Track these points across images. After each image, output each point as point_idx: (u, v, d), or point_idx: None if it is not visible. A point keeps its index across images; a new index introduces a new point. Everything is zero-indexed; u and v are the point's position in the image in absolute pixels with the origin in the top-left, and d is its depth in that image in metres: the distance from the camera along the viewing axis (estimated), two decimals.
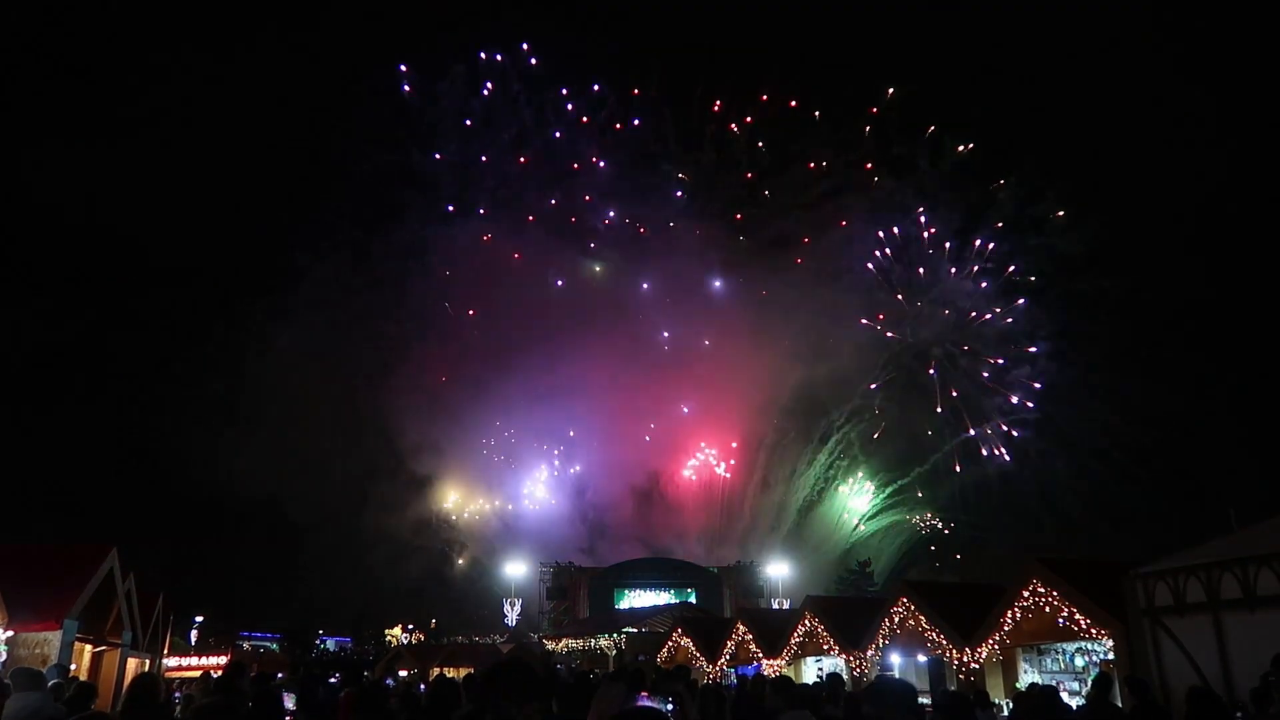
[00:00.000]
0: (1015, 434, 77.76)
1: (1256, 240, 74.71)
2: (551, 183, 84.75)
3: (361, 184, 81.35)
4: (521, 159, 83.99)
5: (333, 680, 20.25)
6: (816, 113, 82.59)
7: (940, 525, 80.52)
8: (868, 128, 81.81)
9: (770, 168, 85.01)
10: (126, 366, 78.25)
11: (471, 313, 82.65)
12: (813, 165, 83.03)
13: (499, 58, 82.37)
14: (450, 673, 36.48)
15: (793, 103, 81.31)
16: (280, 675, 18.79)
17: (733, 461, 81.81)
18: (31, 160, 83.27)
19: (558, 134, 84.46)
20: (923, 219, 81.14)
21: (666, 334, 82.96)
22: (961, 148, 79.40)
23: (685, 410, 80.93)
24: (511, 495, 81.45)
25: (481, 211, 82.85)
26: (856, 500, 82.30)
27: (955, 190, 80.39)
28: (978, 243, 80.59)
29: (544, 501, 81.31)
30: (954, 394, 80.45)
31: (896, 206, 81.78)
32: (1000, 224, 79.86)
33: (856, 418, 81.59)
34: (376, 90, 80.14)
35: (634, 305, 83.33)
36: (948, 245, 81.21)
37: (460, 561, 79.29)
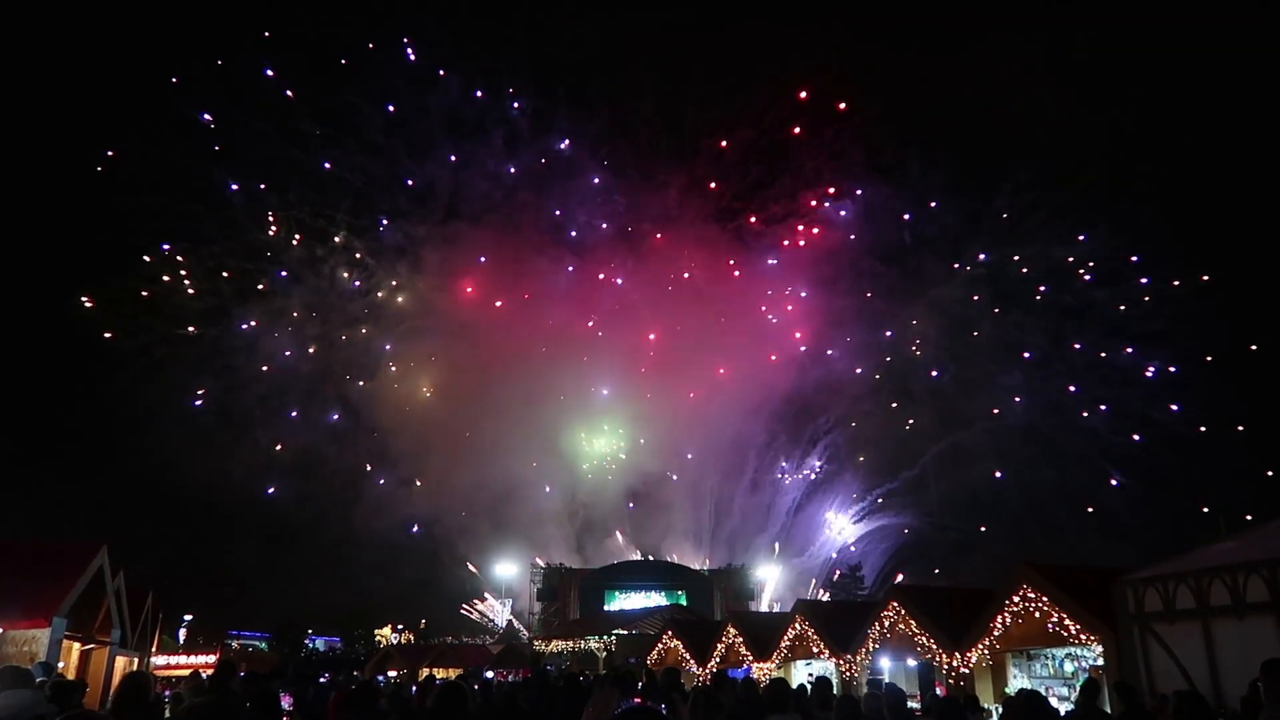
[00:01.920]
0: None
1: (1247, 247, 75.20)
2: (544, 186, 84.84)
3: (351, 187, 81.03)
4: (512, 166, 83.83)
5: (323, 680, 20.30)
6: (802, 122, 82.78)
7: (928, 530, 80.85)
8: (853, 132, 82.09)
9: (762, 175, 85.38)
10: (117, 365, 77.82)
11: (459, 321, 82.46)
12: (804, 170, 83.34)
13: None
14: (440, 673, 36.41)
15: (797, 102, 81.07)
16: (256, 675, 18.76)
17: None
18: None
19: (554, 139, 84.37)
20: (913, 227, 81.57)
21: (656, 337, 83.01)
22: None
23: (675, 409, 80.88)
24: (504, 494, 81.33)
25: (473, 219, 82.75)
26: (844, 504, 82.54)
27: (949, 195, 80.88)
28: (970, 249, 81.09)
29: (536, 501, 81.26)
30: (943, 399, 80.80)
31: (890, 211, 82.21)
32: (994, 230, 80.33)
33: (845, 422, 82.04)
34: (363, 94, 79.69)
35: (625, 308, 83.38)
36: (941, 250, 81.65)
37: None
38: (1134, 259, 73.71)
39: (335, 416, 79.65)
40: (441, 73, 78.92)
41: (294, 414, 77.57)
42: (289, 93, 74.24)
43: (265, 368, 76.90)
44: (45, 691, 9.77)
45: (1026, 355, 78.36)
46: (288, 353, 77.78)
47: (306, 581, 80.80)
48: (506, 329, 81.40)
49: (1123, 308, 74.59)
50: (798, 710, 8.96)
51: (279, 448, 75.97)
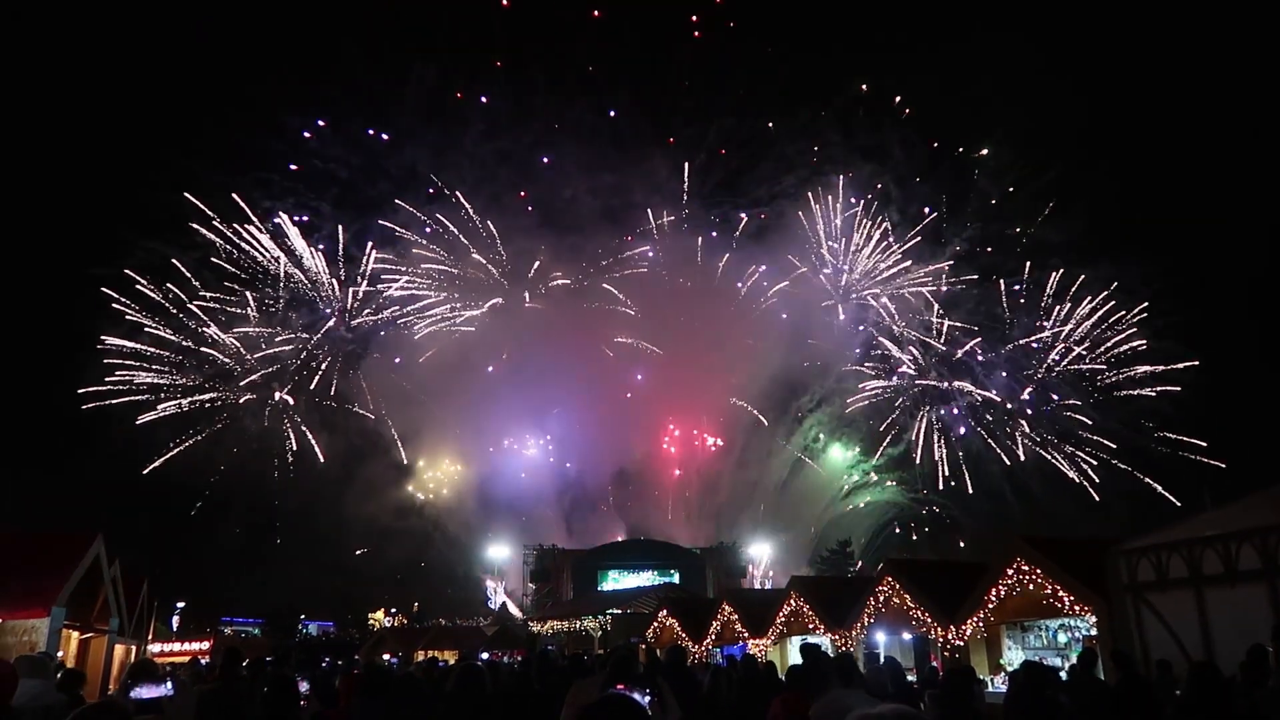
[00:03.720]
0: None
1: (1227, 227, 75.84)
2: (530, 165, 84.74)
3: (338, 168, 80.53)
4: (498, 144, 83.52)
5: (324, 664, 20.35)
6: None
7: (913, 505, 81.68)
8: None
9: (747, 158, 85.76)
10: (104, 351, 77.13)
11: (451, 301, 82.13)
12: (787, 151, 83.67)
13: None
14: (438, 655, 36.46)
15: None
16: (269, 660, 18.80)
17: (713, 443, 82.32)
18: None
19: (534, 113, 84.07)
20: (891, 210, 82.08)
21: (646, 317, 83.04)
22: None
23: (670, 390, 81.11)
24: (494, 476, 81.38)
25: (459, 195, 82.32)
26: (830, 479, 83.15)
27: (932, 178, 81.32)
28: (952, 228, 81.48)
29: (526, 482, 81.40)
30: (925, 376, 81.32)
31: (873, 190, 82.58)
32: (975, 210, 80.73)
33: (830, 399, 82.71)
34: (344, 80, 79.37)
35: (616, 288, 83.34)
36: (923, 231, 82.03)
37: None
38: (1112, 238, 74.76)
39: (326, 400, 79.74)
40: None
41: (283, 398, 77.61)
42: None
43: (251, 356, 76.79)
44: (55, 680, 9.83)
45: (1007, 331, 79.12)
46: (278, 338, 77.68)
47: (297, 566, 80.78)
48: (495, 310, 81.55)
49: (1100, 286, 75.35)
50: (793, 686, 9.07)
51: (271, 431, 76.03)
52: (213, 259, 74.49)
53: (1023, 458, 76.46)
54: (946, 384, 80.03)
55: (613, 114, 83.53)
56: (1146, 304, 72.14)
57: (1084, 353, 76.03)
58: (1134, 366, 73.19)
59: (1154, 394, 71.77)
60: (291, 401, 77.25)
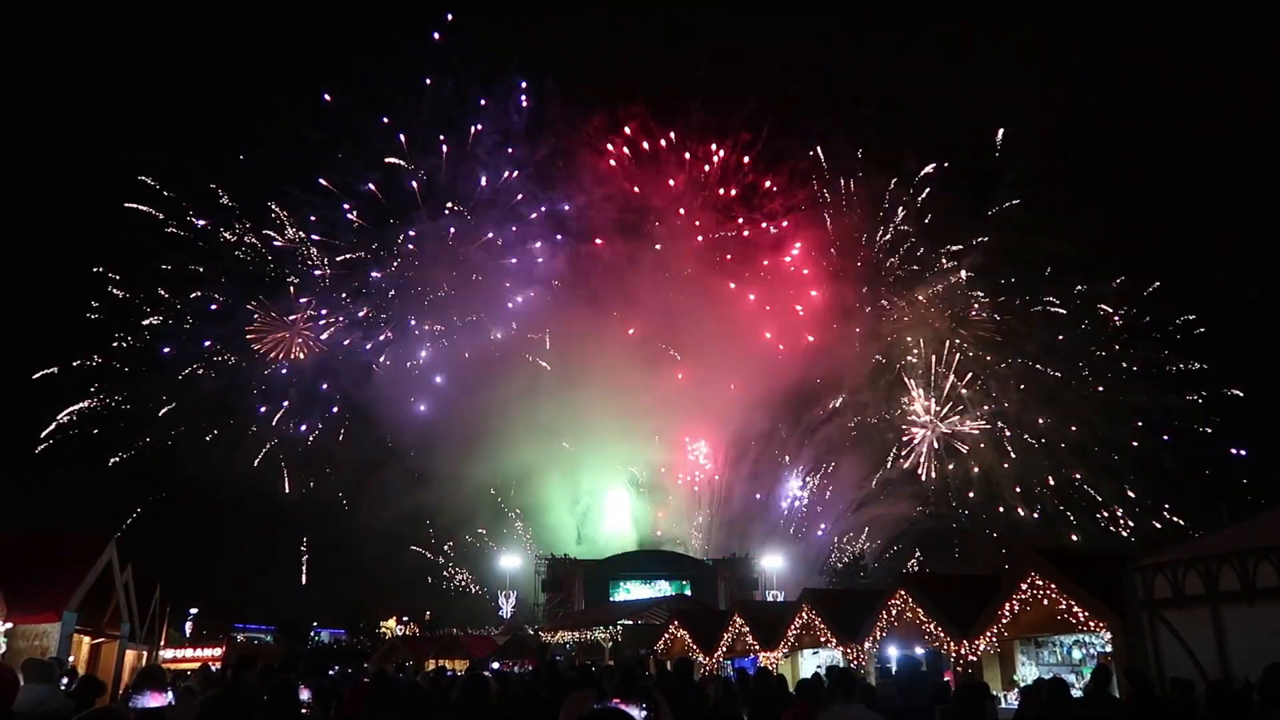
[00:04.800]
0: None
1: (1239, 236, 75.46)
2: (544, 178, 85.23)
3: (349, 181, 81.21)
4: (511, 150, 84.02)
5: (332, 672, 20.36)
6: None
7: (925, 517, 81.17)
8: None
9: (760, 171, 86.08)
10: (122, 359, 77.89)
11: (467, 316, 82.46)
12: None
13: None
14: (447, 665, 36.52)
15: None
16: (276, 666, 18.80)
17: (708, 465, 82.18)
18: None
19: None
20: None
21: (660, 327, 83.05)
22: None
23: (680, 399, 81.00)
24: (505, 484, 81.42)
25: (468, 208, 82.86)
26: (844, 493, 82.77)
27: (939, 188, 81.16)
28: (965, 241, 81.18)
29: (539, 490, 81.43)
30: (937, 387, 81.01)
31: (889, 201, 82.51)
32: (988, 223, 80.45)
33: (843, 411, 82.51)
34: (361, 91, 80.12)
35: (628, 300, 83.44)
36: (937, 240, 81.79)
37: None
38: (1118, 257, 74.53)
39: (338, 409, 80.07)
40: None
41: (295, 409, 77.97)
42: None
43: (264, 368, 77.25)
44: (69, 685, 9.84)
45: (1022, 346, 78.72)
46: (291, 353, 78.19)
47: (310, 573, 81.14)
48: (510, 320, 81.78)
49: (1125, 307, 75.04)
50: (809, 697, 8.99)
51: (275, 442, 76.44)
52: (223, 279, 75.17)
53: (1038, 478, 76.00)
54: (949, 407, 79.74)
55: (627, 127, 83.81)
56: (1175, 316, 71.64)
57: (1101, 368, 75.63)
58: (1165, 393, 72.66)
59: (1180, 421, 71.30)
60: (305, 428, 77.69)
